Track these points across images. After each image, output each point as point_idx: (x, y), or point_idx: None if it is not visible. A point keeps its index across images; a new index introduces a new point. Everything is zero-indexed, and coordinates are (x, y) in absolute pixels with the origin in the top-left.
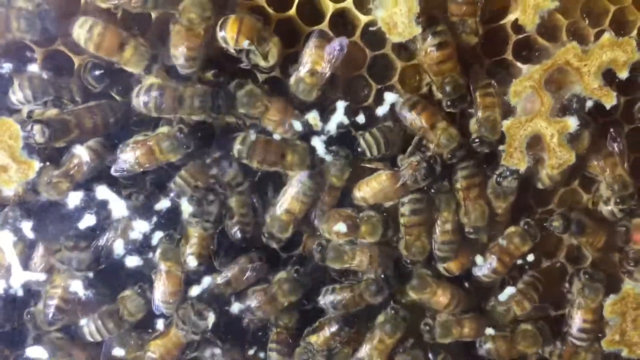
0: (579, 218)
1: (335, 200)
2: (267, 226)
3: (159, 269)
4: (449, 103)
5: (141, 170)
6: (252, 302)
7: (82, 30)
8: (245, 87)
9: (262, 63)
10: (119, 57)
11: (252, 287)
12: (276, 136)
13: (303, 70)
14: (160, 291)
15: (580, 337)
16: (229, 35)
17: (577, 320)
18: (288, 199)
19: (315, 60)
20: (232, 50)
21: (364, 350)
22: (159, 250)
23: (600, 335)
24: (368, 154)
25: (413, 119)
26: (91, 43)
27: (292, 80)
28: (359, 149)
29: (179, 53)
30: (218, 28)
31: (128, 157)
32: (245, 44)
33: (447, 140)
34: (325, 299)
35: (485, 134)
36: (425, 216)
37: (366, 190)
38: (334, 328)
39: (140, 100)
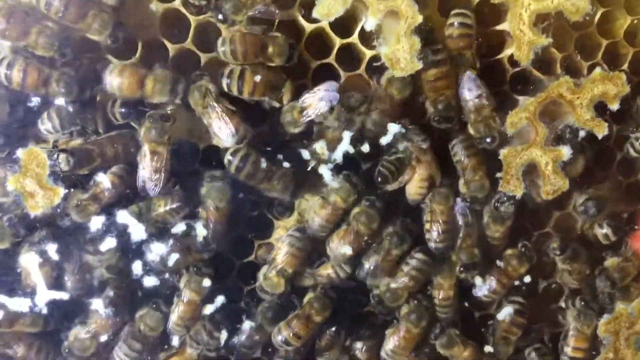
0: (575, 245)
1: None
2: (261, 284)
3: (181, 295)
4: (436, 119)
5: (164, 170)
6: (289, 332)
7: (106, 76)
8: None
9: (275, 105)
10: (142, 93)
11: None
12: None
13: (298, 105)
14: (177, 315)
15: None
16: (245, 90)
17: (570, 348)
18: (281, 258)
19: (312, 105)
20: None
21: None
22: (184, 279)
23: (594, 353)
24: (390, 179)
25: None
26: (115, 86)
27: (286, 106)
28: (380, 178)
29: None
30: (233, 78)
31: (146, 172)
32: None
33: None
34: None
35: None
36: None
37: (417, 190)
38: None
39: (232, 164)
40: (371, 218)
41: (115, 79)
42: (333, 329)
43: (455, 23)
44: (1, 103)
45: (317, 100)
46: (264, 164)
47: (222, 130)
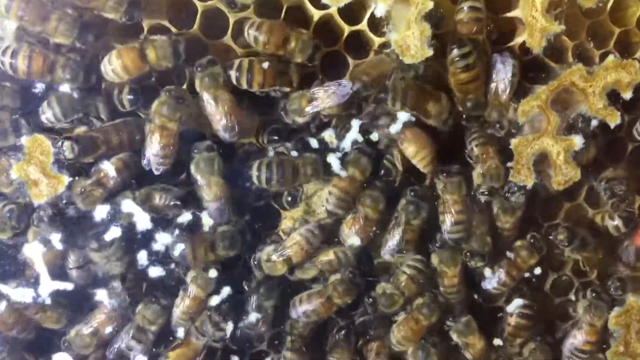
0: (583, 234)
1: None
2: (261, 263)
3: (187, 290)
4: (464, 116)
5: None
6: (308, 306)
7: (106, 66)
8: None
9: (285, 90)
10: (149, 65)
11: (306, 292)
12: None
13: (308, 94)
14: (181, 310)
15: (579, 357)
16: (255, 83)
17: (580, 341)
18: (291, 248)
19: (322, 98)
20: None
21: None
22: (192, 274)
23: (605, 346)
24: (394, 172)
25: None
26: (120, 70)
27: (295, 94)
28: (384, 171)
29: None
30: (242, 71)
31: (153, 148)
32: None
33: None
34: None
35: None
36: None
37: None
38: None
39: (261, 178)
40: (376, 199)
41: (116, 63)
42: (343, 332)
43: (465, 7)
44: (11, 98)
45: (328, 94)
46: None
47: (222, 122)
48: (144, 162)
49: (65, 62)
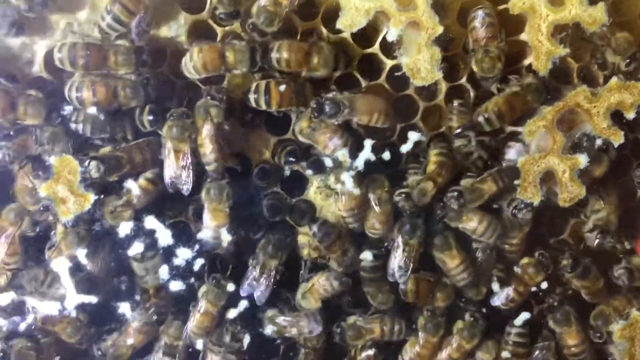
0: (586, 263)
1: None
2: (299, 302)
3: (198, 304)
4: None
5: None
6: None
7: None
8: None
9: (302, 110)
10: (223, 66)
11: None
12: None
13: (312, 120)
14: (194, 324)
15: None
16: (273, 103)
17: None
18: (322, 287)
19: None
20: None
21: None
22: (203, 289)
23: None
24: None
25: None
26: (200, 66)
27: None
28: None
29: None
30: (260, 93)
31: (171, 170)
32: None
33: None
34: None
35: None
36: None
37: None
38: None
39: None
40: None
41: (196, 58)
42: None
43: (478, 16)
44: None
45: (327, 139)
46: None
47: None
48: (167, 182)
49: (124, 83)
